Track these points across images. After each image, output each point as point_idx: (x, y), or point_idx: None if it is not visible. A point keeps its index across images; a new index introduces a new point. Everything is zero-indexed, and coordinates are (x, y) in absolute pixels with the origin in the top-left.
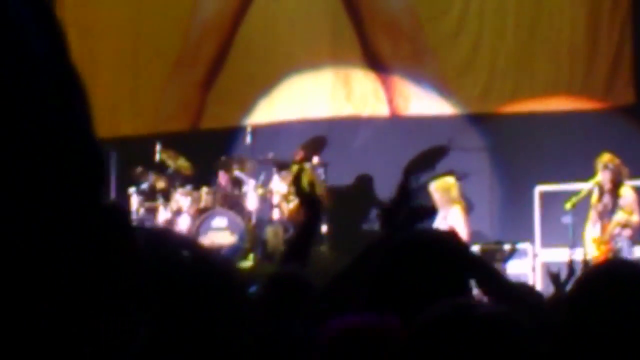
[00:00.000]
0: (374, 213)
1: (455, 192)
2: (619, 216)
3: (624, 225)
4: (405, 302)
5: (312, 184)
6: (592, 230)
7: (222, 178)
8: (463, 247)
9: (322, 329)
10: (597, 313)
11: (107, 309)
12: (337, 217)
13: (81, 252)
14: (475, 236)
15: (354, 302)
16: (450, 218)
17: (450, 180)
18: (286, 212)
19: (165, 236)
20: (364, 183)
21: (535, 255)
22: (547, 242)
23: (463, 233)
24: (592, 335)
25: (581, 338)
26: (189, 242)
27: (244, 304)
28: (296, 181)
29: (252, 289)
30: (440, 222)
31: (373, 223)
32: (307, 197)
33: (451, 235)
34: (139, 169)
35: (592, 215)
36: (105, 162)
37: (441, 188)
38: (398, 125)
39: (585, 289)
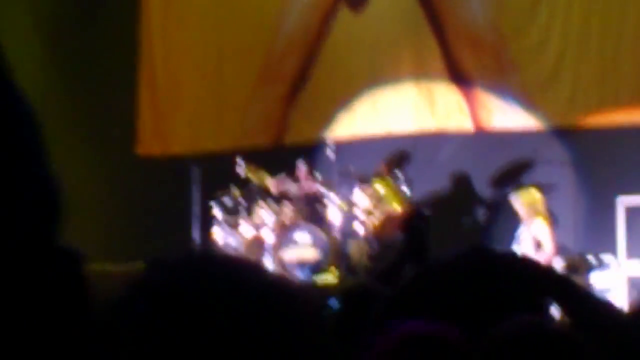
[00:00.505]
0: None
1: (540, 204)
2: None
3: None
4: (472, 317)
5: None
6: None
7: (301, 172)
8: (540, 267)
9: (384, 335)
10: None
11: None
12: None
13: (20, 295)
14: (559, 250)
15: (421, 311)
16: (535, 230)
17: (535, 192)
18: (369, 226)
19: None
20: (462, 183)
21: (618, 267)
22: (631, 255)
23: (548, 245)
24: None
25: None
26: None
27: (316, 333)
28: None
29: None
30: (525, 234)
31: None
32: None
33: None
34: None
35: None
36: (58, 198)
37: (527, 200)
38: (481, 139)
39: None
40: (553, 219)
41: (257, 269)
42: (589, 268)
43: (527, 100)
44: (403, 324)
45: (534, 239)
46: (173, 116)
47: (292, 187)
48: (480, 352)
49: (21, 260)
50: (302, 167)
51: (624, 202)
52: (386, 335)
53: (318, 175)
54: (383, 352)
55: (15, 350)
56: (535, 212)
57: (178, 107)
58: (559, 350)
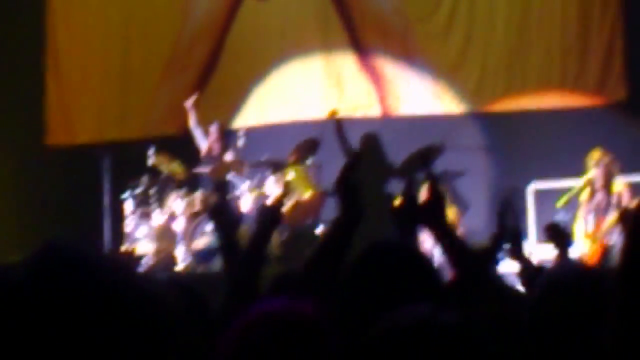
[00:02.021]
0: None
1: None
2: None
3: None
4: (370, 306)
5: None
6: (582, 227)
7: (212, 135)
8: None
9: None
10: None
11: None
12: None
13: None
14: (471, 234)
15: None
16: None
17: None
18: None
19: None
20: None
21: (530, 253)
22: (541, 240)
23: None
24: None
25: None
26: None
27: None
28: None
29: None
30: None
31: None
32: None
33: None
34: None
35: (582, 212)
36: None
37: None
38: (391, 125)
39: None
40: (465, 205)
41: (117, 266)
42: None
43: (435, 85)
44: (262, 303)
45: None
46: (80, 105)
47: (203, 167)
48: (369, 341)
49: None
50: (213, 130)
51: (533, 187)
52: (243, 314)
53: (229, 154)
54: (237, 330)
55: None
56: None
57: (84, 95)
58: (451, 340)
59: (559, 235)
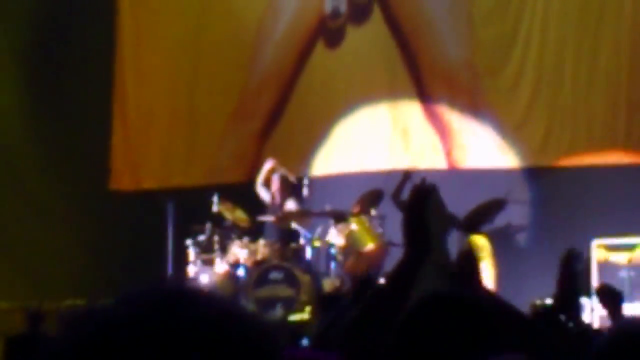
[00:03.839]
0: None
1: (484, 249)
2: None
3: None
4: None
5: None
6: None
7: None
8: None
9: None
10: None
11: None
12: None
13: None
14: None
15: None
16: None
17: (480, 238)
18: (344, 264)
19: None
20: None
21: (592, 310)
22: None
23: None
24: None
25: None
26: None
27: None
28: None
29: (305, 342)
30: None
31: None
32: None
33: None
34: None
35: None
36: None
37: (476, 243)
38: (454, 177)
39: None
40: (525, 258)
41: (229, 304)
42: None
43: (502, 139)
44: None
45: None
46: (145, 151)
47: (267, 216)
48: None
49: None
50: (275, 180)
51: (596, 243)
52: None
53: (291, 203)
54: None
55: None
56: (480, 255)
57: (150, 141)
58: None
59: (609, 295)
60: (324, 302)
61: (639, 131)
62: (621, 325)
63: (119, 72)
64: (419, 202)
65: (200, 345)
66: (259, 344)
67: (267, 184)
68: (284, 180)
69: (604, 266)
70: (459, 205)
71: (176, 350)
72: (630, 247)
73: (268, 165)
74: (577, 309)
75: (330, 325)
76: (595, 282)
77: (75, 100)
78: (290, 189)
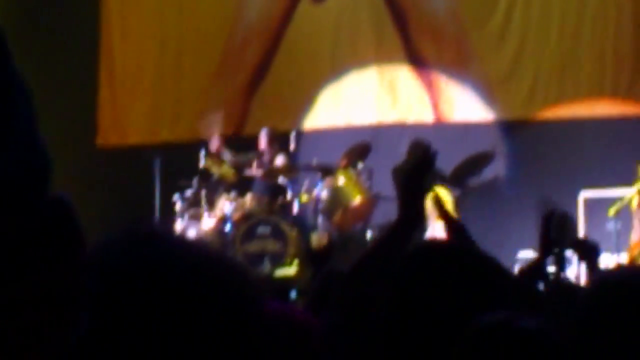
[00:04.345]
0: None
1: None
2: None
3: None
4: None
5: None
6: (633, 235)
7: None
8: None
9: None
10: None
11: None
12: None
13: (22, 243)
14: (519, 244)
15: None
16: (437, 232)
17: (443, 193)
18: (331, 218)
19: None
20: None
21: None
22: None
23: None
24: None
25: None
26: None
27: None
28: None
29: (293, 295)
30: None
31: None
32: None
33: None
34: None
35: (635, 221)
36: (47, 161)
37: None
38: (442, 131)
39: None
40: (511, 211)
41: (212, 251)
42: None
43: (488, 91)
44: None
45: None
46: (132, 107)
47: (254, 171)
48: (456, 352)
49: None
50: (263, 134)
51: (584, 195)
52: None
53: (280, 158)
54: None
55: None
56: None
57: (137, 97)
58: (532, 347)
59: (585, 248)
60: (312, 258)
61: (627, 83)
62: (597, 279)
63: (105, 30)
64: (421, 170)
65: (181, 285)
66: (239, 289)
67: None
68: (271, 135)
69: (592, 218)
70: (445, 160)
71: (155, 290)
72: (618, 199)
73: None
74: (560, 262)
75: (322, 281)
76: (582, 234)
77: (61, 58)
78: (278, 144)
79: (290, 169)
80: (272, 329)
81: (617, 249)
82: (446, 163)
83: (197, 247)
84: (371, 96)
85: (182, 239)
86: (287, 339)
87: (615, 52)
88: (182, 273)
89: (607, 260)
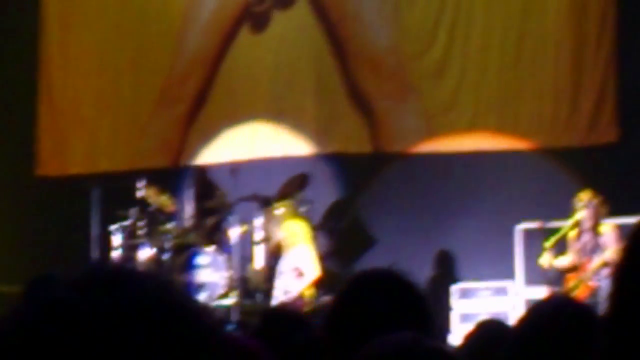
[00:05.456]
0: None
1: (302, 232)
2: (606, 255)
3: (606, 264)
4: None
5: None
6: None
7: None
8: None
9: None
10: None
11: None
12: None
13: None
14: (458, 274)
15: None
16: (295, 258)
17: (295, 221)
18: (268, 249)
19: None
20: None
21: (517, 294)
22: (530, 281)
23: (310, 271)
24: None
25: None
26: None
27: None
28: None
29: (230, 327)
30: (285, 264)
31: None
32: None
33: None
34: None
35: (570, 252)
36: None
37: (287, 230)
38: (379, 160)
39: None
40: (453, 245)
41: (162, 283)
42: None
43: (428, 124)
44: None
45: (295, 267)
46: (71, 136)
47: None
48: None
49: None
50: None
51: (521, 227)
52: None
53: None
54: None
55: None
56: (295, 240)
57: (76, 127)
58: None
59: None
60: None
61: (565, 115)
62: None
63: (45, 59)
64: None
65: (144, 318)
66: (200, 317)
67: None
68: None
69: (529, 250)
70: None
71: (123, 325)
72: (556, 231)
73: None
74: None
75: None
76: (519, 266)
77: (0, 86)
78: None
79: (227, 204)
80: (229, 356)
81: (555, 281)
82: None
83: (160, 280)
84: (310, 127)
85: (146, 274)
86: None
87: (553, 86)
88: (156, 307)
89: (543, 293)
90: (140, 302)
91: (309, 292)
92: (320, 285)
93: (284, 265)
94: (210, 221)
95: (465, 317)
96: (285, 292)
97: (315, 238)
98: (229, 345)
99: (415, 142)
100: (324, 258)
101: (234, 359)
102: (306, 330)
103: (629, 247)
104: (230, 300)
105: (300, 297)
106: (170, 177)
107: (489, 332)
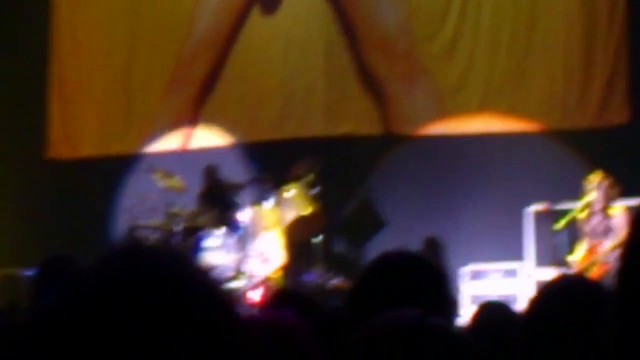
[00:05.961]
0: None
1: (269, 218)
2: (620, 236)
3: (619, 246)
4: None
5: None
6: (580, 249)
7: None
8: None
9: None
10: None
11: None
12: None
13: None
14: (468, 256)
15: None
16: (262, 244)
17: (261, 207)
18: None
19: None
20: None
21: (529, 275)
22: (541, 262)
23: (275, 257)
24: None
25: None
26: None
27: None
28: None
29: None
30: (254, 249)
31: None
32: None
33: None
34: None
35: (581, 234)
36: None
37: (255, 215)
38: (389, 142)
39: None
40: (461, 223)
41: (184, 258)
42: None
43: (438, 105)
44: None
45: (261, 253)
46: (82, 119)
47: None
48: (355, 343)
49: None
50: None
51: (533, 209)
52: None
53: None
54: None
55: None
56: (262, 227)
57: (87, 110)
58: (439, 343)
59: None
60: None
61: (576, 96)
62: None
63: (56, 41)
64: None
65: (170, 297)
66: (220, 293)
67: None
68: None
69: (540, 231)
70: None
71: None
72: (566, 212)
73: None
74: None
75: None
76: (531, 247)
77: (11, 69)
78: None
79: (238, 185)
80: (264, 334)
81: (565, 262)
82: (398, 174)
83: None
84: (320, 109)
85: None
86: (279, 342)
87: (565, 65)
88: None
89: (554, 274)
90: (179, 280)
91: (275, 277)
92: (329, 268)
93: (252, 250)
94: (220, 203)
95: (476, 299)
96: (250, 277)
97: (327, 220)
98: (262, 321)
99: (425, 123)
100: (333, 241)
101: (271, 335)
102: (318, 311)
103: (635, 224)
104: (239, 283)
105: (264, 282)
106: (180, 159)
107: (491, 313)
